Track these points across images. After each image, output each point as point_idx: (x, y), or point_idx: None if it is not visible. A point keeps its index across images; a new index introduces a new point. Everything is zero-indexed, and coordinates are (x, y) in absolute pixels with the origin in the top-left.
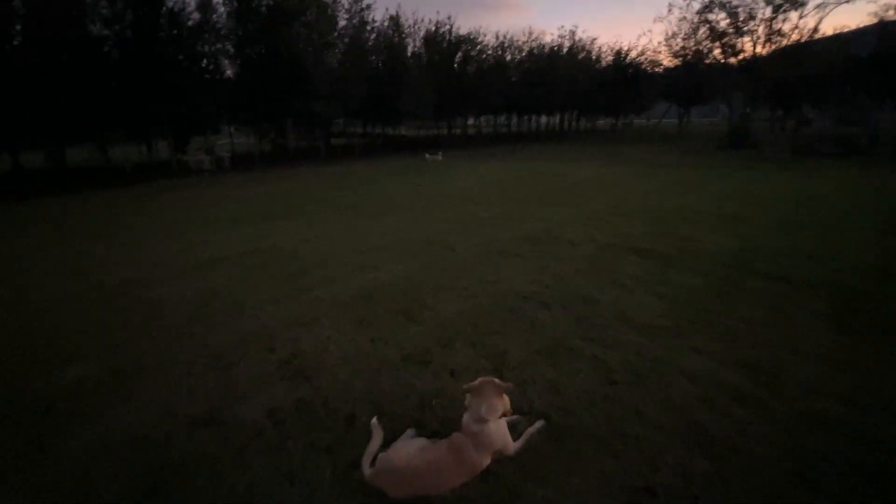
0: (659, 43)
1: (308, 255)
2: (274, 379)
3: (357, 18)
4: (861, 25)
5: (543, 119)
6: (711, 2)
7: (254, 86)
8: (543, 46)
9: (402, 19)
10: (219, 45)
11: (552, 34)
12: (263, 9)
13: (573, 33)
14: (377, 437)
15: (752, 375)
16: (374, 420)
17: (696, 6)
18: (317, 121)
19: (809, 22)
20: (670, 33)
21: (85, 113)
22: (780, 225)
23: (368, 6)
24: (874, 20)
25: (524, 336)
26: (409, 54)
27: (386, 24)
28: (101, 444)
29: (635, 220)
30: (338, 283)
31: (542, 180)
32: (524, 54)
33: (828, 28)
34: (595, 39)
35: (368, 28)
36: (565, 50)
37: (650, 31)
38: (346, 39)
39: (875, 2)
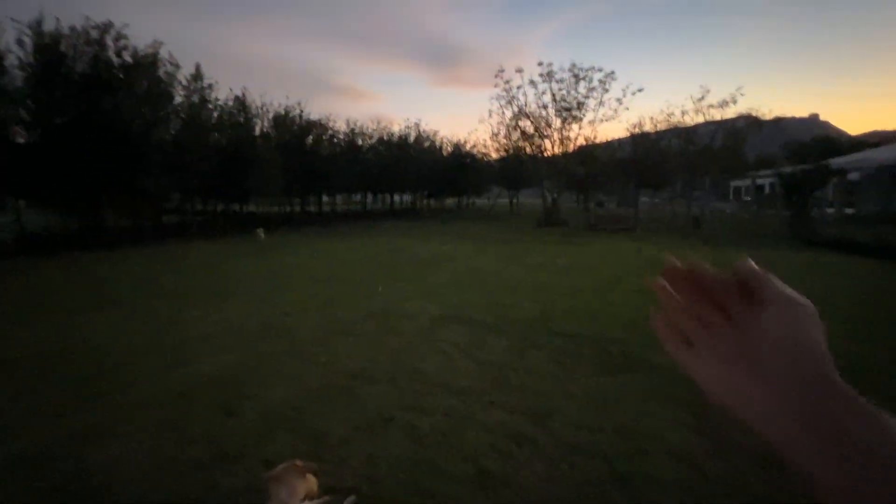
0: (486, 140)
1: (116, 351)
2: None
3: (197, 96)
4: (622, 137)
5: (397, 198)
6: (520, 111)
7: (58, 156)
8: (393, 134)
9: (249, 100)
10: (9, 111)
11: (400, 124)
12: (77, 77)
13: (417, 125)
14: None
15: (531, 419)
16: None
17: (509, 114)
18: (146, 197)
19: (588, 132)
20: (493, 133)
21: None
22: (573, 291)
23: (210, 85)
24: (627, 134)
25: (347, 414)
26: (256, 133)
27: (230, 103)
28: None
29: (466, 292)
30: (147, 382)
31: (390, 257)
32: (374, 140)
33: (602, 137)
34: (437, 132)
35: (210, 106)
36: (412, 139)
37: (477, 129)
38: (183, 115)
39: (627, 121)
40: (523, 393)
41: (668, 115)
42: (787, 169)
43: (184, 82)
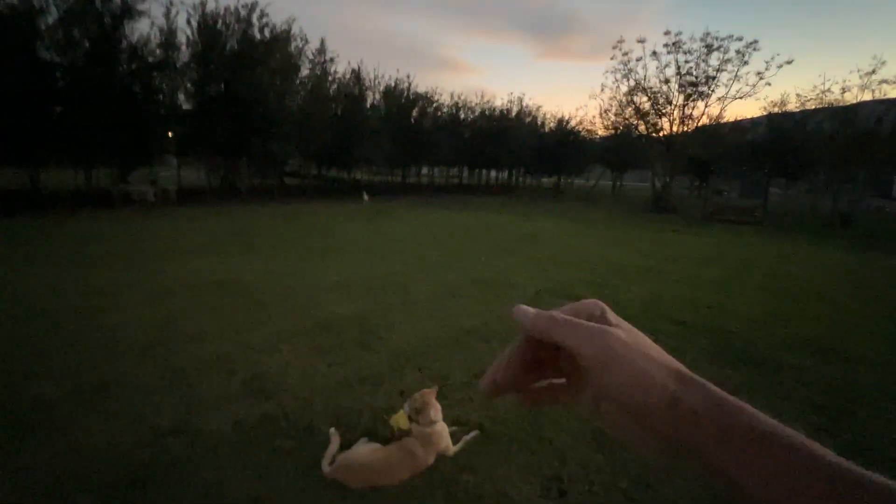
0: (594, 116)
1: (267, 289)
2: (236, 396)
3: (319, 69)
4: (755, 116)
5: (493, 174)
6: (636, 86)
7: (211, 121)
8: (494, 109)
9: (364, 73)
10: (178, 82)
11: (502, 98)
12: (227, 52)
13: (521, 99)
14: (335, 443)
15: None
16: (332, 429)
17: (624, 89)
18: (272, 160)
19: (714, 110)
20: (603, 109)
21: (21, 135)
22: (686, 279)
23: (332, 59)
24: (764, 113)
25: (465, 363)
26: (368, 105)
27: (347, 76)
28: (73, 451)
29: (571, 270)
30: (297, 315)
31: (491, 231)
32: (476, 114)
33: (730, 116)
34: (540, 107)
35: (330, 79)
36: (514, 114)
37: (586, 105)
38: (309, 86)
39: (765, 98)
40: None
41: (822, 92)
42: None
43: (310, 56)
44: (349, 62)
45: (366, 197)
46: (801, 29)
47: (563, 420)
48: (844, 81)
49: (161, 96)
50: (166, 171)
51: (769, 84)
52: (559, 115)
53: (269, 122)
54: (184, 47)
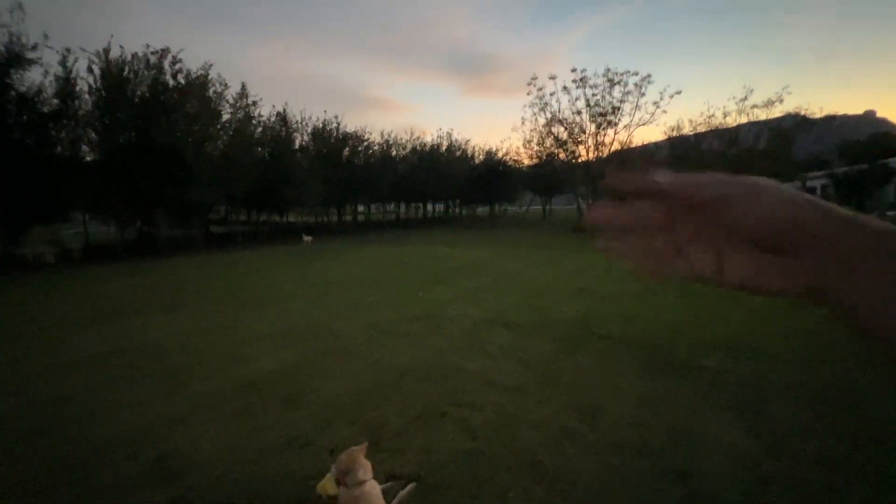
0: (518, 147)
1: (185, 350)
2: (137, 485)
3: (242, 113)
4: (658, 140)
5: (430, 206)
6: (553, 118)
7: (121, 172)
8: (425, 144)
9: (290, 115)
10: (79, 132)
11: (432, 134)
12: (137, 100)
13: (450, 134)
14: None
15: (580, 416)
16: None
17: (542, 121)
18: (195, 209)
19: (622, 136)
20: (525, 140)
21: None
22: (612, 295)
23: (254, 102)
24: (665, 137)
25: (401, 408)
26: (297, 146)
27: (273, 119)
28: None
29: (506, 296)
30: (217, 376)
31: (428, 264)
32: (408, 150)
33: (638, 141)
34: (469, 140)
35: (254, 122)
36: (444, 148)
37: (510, 137)
38: (231, 131)
39: (664, 124)
40: (571, 391)
41: (708, 117)
42: (842, 169)
43: (230, 100)
44: (273, 105)
45: (307, 238)
46: (689, 61)
47: (499, 457)
48: (725, 107)
49: (59, 149)
50: (71, 229)
51: (665, 112)
52: (487, 147)
53: (188, 170)
54: (86, 95)
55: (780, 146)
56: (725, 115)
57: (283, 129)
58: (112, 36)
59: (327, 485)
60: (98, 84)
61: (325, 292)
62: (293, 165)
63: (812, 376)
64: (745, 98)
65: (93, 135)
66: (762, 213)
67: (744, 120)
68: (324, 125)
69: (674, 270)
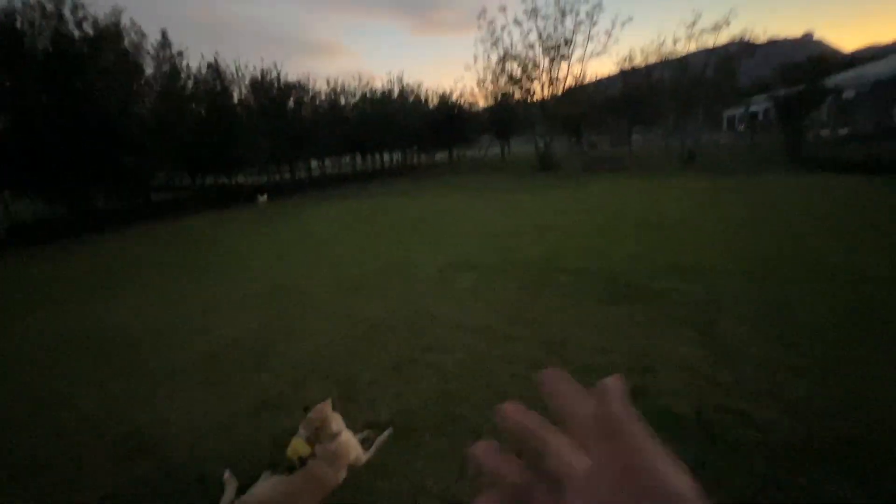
0: (472, 88)
1: (141, 327)
2: (105, 464)
3: (168, 65)
4: (611, 74)
5: (386, 157)
6: (506, 54)
7: (35, 141)
8: (376, 91)
9: (223, 66)
10: None
11: (382, 80)
12: (40, 56)
13: (401, 79)
14: (231, 488)
15: (548, 348)
16: (226, 472)
17: (495, 58)
18: (130, 176)
19: (576, 70)
20: (479, 79)
21: None
22: (575, 231)
23: (180, 53)
24: (618, 70)
25: (373, 359)
26: (235, 101)
27: (204, 71)
28: None
29: (470, 241)
30: (179, 349)
31: (389, 215)
32: (357, 98)
33: (591, 76)
34: (421, 84)
35: (184, 76)
36: (396, 94)
37: (464, 77)
38: (157, 88)
39: (616, 55)
40: (538, 327)
41: (659, 46)
42: (781, 92)
43: (151, 52)
44: (202, 56)
45: (262, 198)
46: None
47: (471, 395)
48: (674, 34)
49: None
50: None
51: (617, 41)
52: (441, 91)
53: (115, 133)
54: None
55: (726, 73)
56: (675, 42)
57: (218, 81)
58: None
59: (297, 446)
60: None
61: (284, 252)
62: (233, 122)
63: (755, 291)
64: (695, 23)
65: None
66: None
67: (693, 47)
68: (262, 75)
69: None
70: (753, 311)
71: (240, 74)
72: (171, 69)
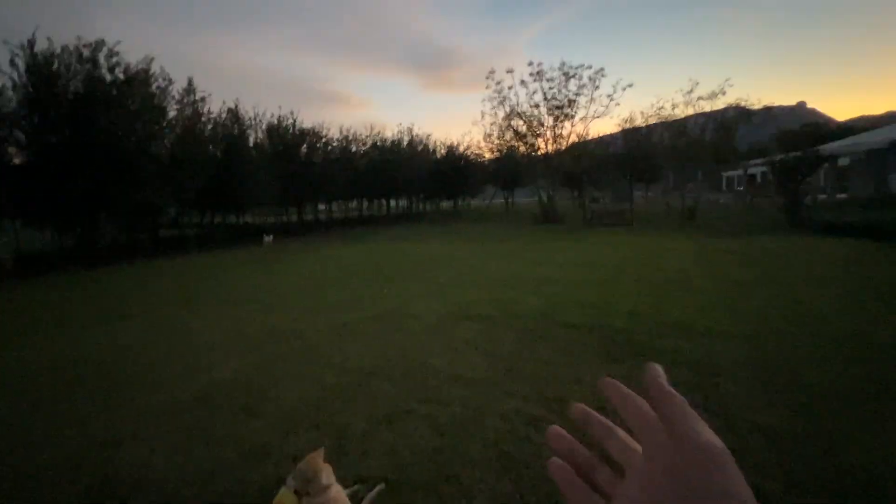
0: (479, 141)
1: (130, 363)
2: None
3: (190, 109)
4: (613, 132)
5: (392, 202)
6: (511, 111)
7: (54, 175)
8: (385, 140)
9: (242, 111)
10: (4, 132)
11: (392, 129)
12: (70, 95)
13: (410, 129)
14: None
15: (546, 405)
16: None
17: (501, 114)
18: (142, 211)
19: (579, 129)
20: (486, 134)
21: None
22: (574, 284)
23: (203, 98)
24: (619, 129)
25: (366, 409)
26: (251, 144)
27: (224, 115)
28: None
29: (470, 290)
30: (168, 389)
31: (391, 260)
32: (367, 146)
33: (594, 133)
34: (430, 135)
35: (204, 119)
36: (405, 143)
37: (471, 131)
38: (178, 130)
39: (618, 116)
40: (536, 382)
41: (658, 109)
42: (779, 156)
43: (176, 96)
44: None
45: (267, 238)
46: (640, 54)
47: (466, 451)
48: (672, 100)
49: None
50: (2, 237)
51: (618, 104)
52: (448, 142)
53: (133, 170)
54: (10, 92)
55: (724, 135)
56: (674, 106)
57: (236, 125)
58: (38, 26)
59: (284, 499)
60: (23, 80)
61: (284, 294)
62: (247, 163)
63: (757, 352)
64: (692, 90)
65: (20, 135)
66: None
67: (691, 111)
68: (279, 121)
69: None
70: (755, 374)
71: (257, 120)
72: (193, 112)
